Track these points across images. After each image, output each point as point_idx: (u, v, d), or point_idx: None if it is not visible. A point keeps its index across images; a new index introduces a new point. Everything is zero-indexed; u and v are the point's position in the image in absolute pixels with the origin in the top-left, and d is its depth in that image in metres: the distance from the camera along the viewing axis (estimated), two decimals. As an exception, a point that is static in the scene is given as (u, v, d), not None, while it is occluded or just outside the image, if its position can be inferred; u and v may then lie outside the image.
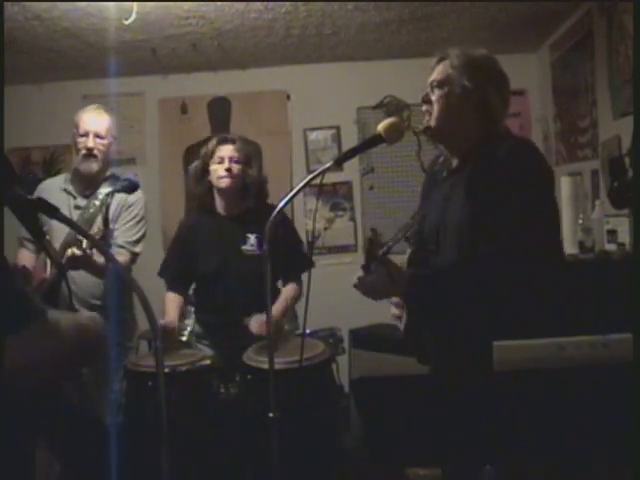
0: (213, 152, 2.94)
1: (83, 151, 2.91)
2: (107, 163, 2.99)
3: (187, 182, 3.11)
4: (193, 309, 3.25)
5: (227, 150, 2.94)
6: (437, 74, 1.91)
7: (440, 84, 1.88)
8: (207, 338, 3.03)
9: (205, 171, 2.97)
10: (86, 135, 2.90)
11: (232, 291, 2.94)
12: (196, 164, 3.01)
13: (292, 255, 2.99)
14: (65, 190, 2.97)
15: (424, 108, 1.92)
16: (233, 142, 2.98)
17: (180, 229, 3.13)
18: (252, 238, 2.96)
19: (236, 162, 2.93)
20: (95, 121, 2.94)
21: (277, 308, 2.87)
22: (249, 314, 2.83)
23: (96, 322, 1.28)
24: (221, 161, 2.92)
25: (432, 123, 1.89)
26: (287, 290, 3.01)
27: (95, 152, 2.91)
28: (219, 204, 3.00)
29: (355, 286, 1.87)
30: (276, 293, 3.06)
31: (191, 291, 3.18)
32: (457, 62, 1.88)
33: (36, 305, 1.05)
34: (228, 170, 2.90)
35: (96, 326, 1.26)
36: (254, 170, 3.01)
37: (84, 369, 2.27)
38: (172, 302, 3.01)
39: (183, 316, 3.11)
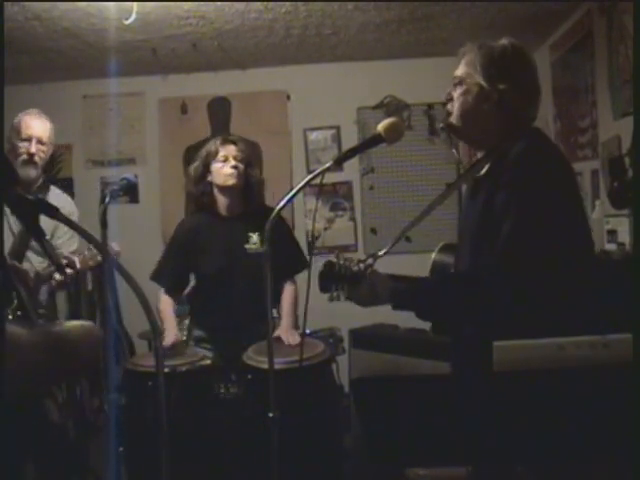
0: (217, 152, 2.94)
1: (24, 156, 2.79)
2: (43, 170, 2.93)
3: (187, 183, 3.10)
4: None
5: (231, 150, 2.95)
6: (458, 70, 1.85)
7: (459, 82, 1.84)
8: (209, 341, 3.01)
9: (206, 171, 2.97)
10: (28, 140, 2.80)
11: (239, 290, 2.94)
12: (196, 164, 3.01)
13: (288, 255, 3.00)
14: None
15: (448, 106, 1.87)
16: (235, 143, 3.00)
17: (179, 231, 3.11)
18: (254, 236, 2.98)
19: (240, 161, 2.95)
20: (38, 126, 2.85)
21: (289, 320, 2.93)
22: (254, 314, 2.87)
23: (87, 330, 1.26)
24: (225, 160, 2.93)
25: (452, 120, 1.85)
26: (287, 297, 3.02)
27: (36, 158, 2.82)
28: (221, 204, 3.00)
29: (330, 300, 1.84)
30: (277, 291, 3.06)
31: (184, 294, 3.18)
32: (475, 59, 1.80)
33: None
34: (235, 168, 2.91)
35: (85, 334, 1.24)
36: (256, 170, 3.05)
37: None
38: (169, 310, 3.00)
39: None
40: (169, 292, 3.04)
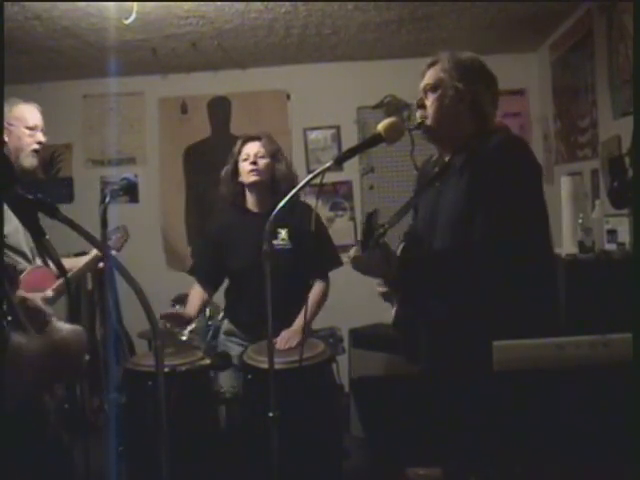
0: (240, 151, 3.00)
1: (34, 145, 2.71)
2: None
3: (220, 186, 3.13)
4: (219, 307, 3.29)
5: (253, 147, 2.99)
6: (429, 79, 1.99)
7: (433, 88, 1.96)
8: (238, 335, 3.04)
9: (235, 171, 3.02)
10: (35, 129, 2.72)
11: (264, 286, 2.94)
12: (227, 166, 3.06)
13: (321, 251, 3.02)
14: None
15: (418, 113, 1.99)
16: (259, 139, 3.02)
17: (210, 228, 3.17)
18: (283, 233, 2.99)
19: (262, 157, 2.97)
20: (40, 117, 2.78)
21: (299, 323, 2.87)
22: (283, 310, 2.86)
23: (77, 336, 1.27)
24: (247, 158, 2.96)
25: (428, 122, 1.96)
26: (314, 294, 3.00)
27: (40, 147, 2.75)
28: (250, 201, 3.04)
29: (352, 262, 1.91)
30: (307, 288, 3.06)
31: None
32: (448, 65, 1.96)
33: None
34: (254, 163, 2.94)
35: (76, 341, 1.25)
36: (282, 165, 3.04)
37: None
38: (197, 295, 3.05)
39: (201, 312, 3.14)
40: (202, 283, 3.08)
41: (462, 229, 1.84)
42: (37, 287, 2.47)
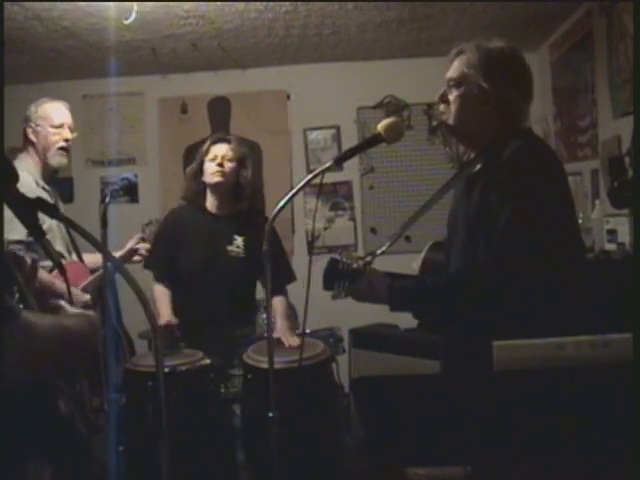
0: (208, 151, 2.96)
1: (61, 143, 2.75)
2: None
3: (184, 182, 3.12)
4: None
5: (221, 149, 2.96)
6: (453, 72, 1.83)
7: (457, 84, 1.82)
8: (185, 339, 2.94)
9: (200, 170, 2.99)
10: (62, 127, 2.76)
11: (214, 290, 2.92)
12: (193, 164, 3.04)
13: (277, 265, 3.00)
14: (43, 188, 2.78)
15: (441, 107, 1.86)
16: (228, 142, 3.00)
17: (167, 222, 3.09)
18: (239, 240, 2.97)
19: (229, 160, 2.94)
20: (68, 114, 2.81)
21: (285, 323, 2.90)
22: (228, 317, 2.89)
23: (90, 320, 1.28)
24: (214, 158, 2.93)
25: (450, 121, 1.84)
26: (278, 306, 2.98)
27: (69, 145, 2.78)
28: (211, 203, 3.01)
29: (333, 297, 1.81)
30: (253, 299, 3.10)
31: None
32: (474, 59, 1.79)
33: (8, 306, 1.05)
34: (220, 165, 2.91)
35: (88, 325, 1.26)
36: (248, 171, 3.01)
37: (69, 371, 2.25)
38: (163, 297, 2.98)
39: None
40: (160, 281, 3.03)
41: (470, 244, 1.74)
42: (71, 282, 2.49)
